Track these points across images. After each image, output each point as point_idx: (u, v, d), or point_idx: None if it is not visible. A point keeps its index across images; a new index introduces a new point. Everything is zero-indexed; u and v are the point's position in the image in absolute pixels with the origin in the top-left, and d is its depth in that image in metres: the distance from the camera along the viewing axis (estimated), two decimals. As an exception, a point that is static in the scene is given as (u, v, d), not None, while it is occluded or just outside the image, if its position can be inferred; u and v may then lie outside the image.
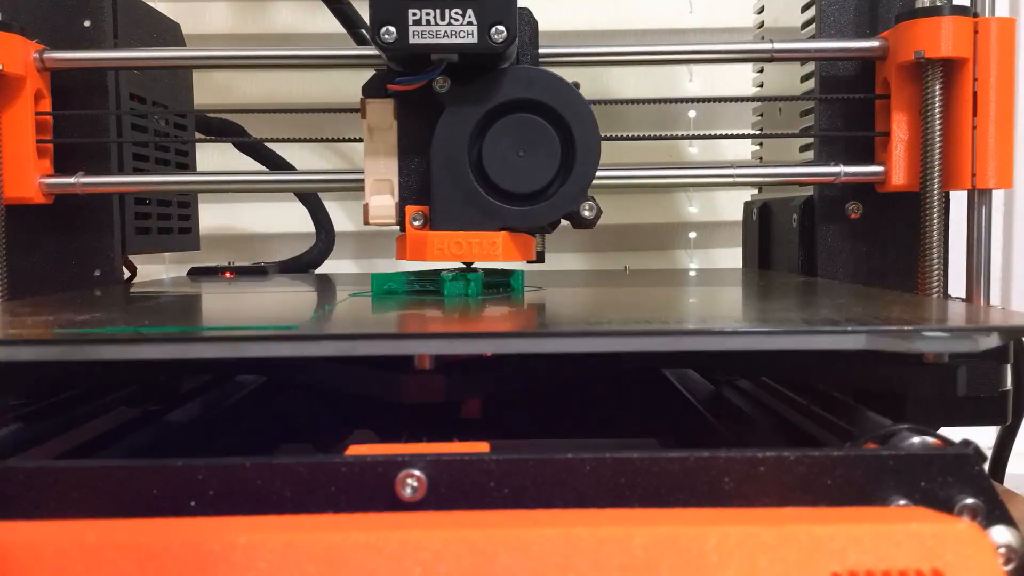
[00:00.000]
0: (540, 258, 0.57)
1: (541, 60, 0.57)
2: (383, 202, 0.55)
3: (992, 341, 0.37)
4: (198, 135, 0.84)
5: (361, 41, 0.82)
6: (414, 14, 0.49)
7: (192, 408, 0.59)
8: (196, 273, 0.80)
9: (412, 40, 0.49)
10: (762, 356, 0.45)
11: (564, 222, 0.55)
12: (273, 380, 0.69)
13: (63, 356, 0.38)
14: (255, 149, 0.86)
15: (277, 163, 0.86)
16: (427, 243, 0.53)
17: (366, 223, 0.55)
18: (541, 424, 0.71)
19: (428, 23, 0.49)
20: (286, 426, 0.69)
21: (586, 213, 0.54)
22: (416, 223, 0.54)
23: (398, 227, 0.55)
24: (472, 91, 0.52)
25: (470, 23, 0.49)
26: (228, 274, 0.79)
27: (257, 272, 0.80)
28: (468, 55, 0.51)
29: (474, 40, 0.49)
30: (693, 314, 0.49)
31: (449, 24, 0.49)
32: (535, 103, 0.53)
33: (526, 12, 0.55)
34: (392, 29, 0.49)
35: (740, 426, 0.54)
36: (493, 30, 0.49)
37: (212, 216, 1.00)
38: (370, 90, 0.54)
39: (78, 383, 0.51)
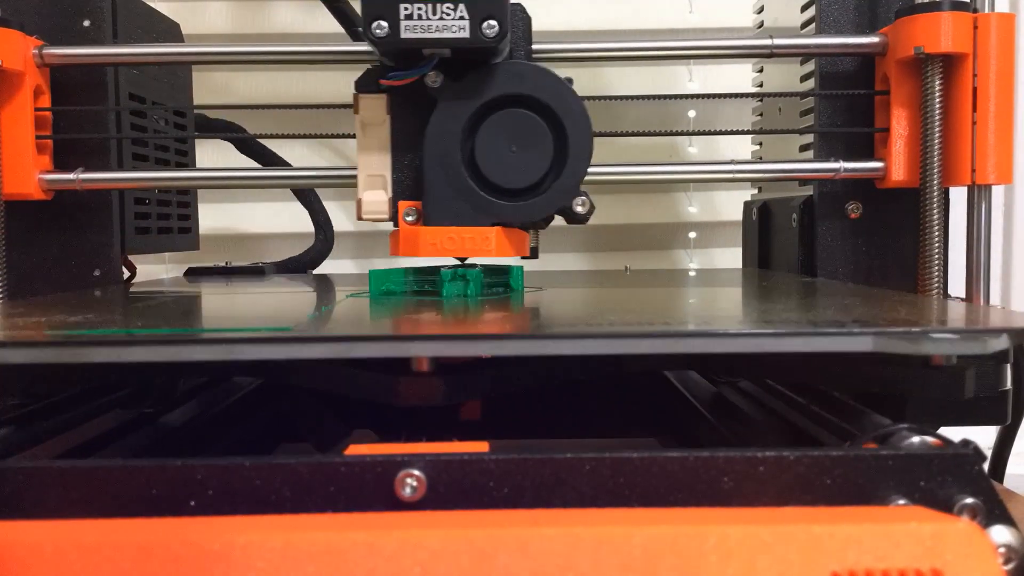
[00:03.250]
0: (534, 254, 0.57)
1: (537, 57, 0.57)
2: (376, 197, 0.55)
3: (1002, 343, 0.36)
4: (195, 132, 0.84)
5: (359, 39, 0.82)
6: (406, 8, 0.49)
7: (188, 410, 0.58)
8: (193, 273, 0.80)
9: (404, 34, 0.49)
10: (766, 358, 0.44)
11: (559, 219, 0.55)
12: (270, 382, 0.69)
13: (54, 358, 0.37)
14: (250, 146, 0.86)
15: (271, 160, 0.86)
16: (420, 238, 0.53)
17: (359, 218, 0.55)
18: (541, 424, 0.71)
19: (420, 17, 0.49)
20: (286, 426, 0.69)
21: (579, 208, 0.54)
22: (409, 218, 0.54)
23: (391, 223, 0.55)
24: (464, 86, 0.52)
25: (462, 17, 0.49)
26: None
27: (254, 272, 0.80)
28: (460, 50, 0.50)
29: (466, 35, 0.49)
30: (695, 315, 0.49)
31: (441, 19, 0.49)
32: (527, 98, 0.52)
33: (519, 8, 0.55)
34: (384, 23, 0.49)
35: (740, 426, 0.54)
36: (485, 24, 0.49)
37: (212, 216, 1.00)
38: (363, 85, 0.54)
39: (74, 385, 0.50)
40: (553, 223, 0.57)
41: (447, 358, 0.42)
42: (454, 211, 0.53)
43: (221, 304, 0.58)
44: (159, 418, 0.55)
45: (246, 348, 0.37)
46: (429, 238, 0.53)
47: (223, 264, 0.81)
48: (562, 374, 0.49)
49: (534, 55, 0.56)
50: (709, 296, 0.58)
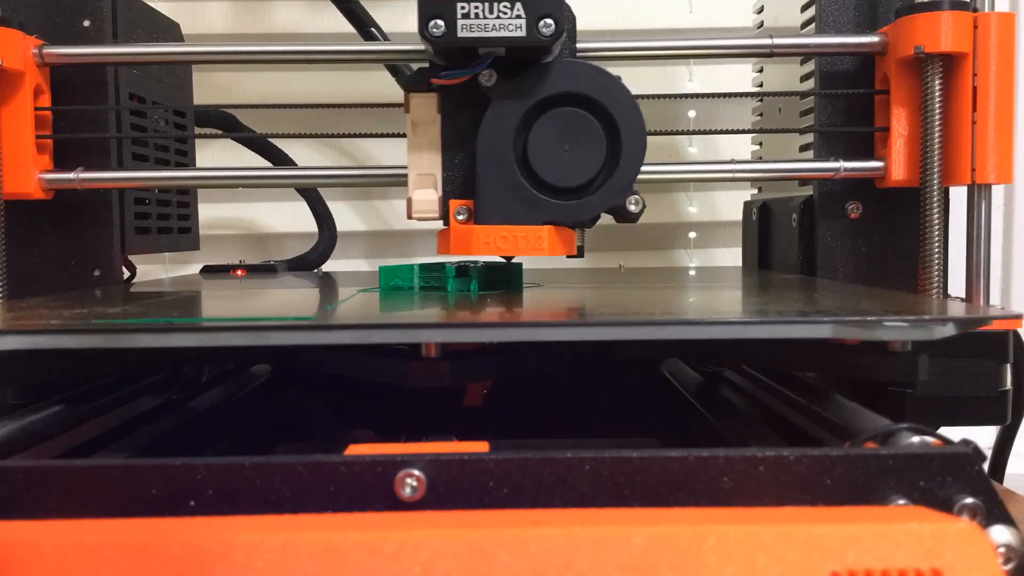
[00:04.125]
0: (580, 252, 0.57)
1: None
2: (426, 196, 0.55)
3: (948, 330, 0.40)
4: (199, 130, 0.85)
5: (371, 39, 0.82)
6: (463, 7, 0.49)
7: (211, 397, 0.62)
8: (209, 271, 0.82)
9: (460, 33, 0.49)
10: (741, 344, 0.48)
11: (606, 217, 0.55)
12: (277, 378, 0.69)
13: (105, 344, 0.41)
14: (258, 144, 0.87)
15: (278, 158, 0.87)
16: (472, 237, 0.53)
17: (409, 218, 0.55)
18: (541, 424, 0.71)
19: (477, 16, 0.49)
20: (286, 426, 0.69)
21: (632, 207, 0.54)
22: (460, 217, 0.54)
23: (441, 221, 0.55)
24: (518, 85, 0.52)
25: (519, 16, 0.49)
26: (240, 272, 0.80)
27: (267, 270, 0.82)
28: (515, 49, 0.51)
29: (523, 33, 0.49)
30: (679, 307, 0.50)
31: (498, 17, 0.49)
32: (580, 97, 0.52)
33: (566, 7, 0.55)
34: (440, 22, 0.49)
35: (740, 426, 0.54)
36: (542, 23, 0.49)
37: (215, 213, 1.00)
38: (413, 84, 0.54)
39: (104, 373, 0.53)
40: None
41: (453, 344, 0.47)
42: (507, 210, 0.53)
43: (242, 299, 0.59)
44: (186, 404, 0.59)
45: (277, 335, 0.41)
46: (482, 237, 0.53)
47: (238, 263, 0.83)
48: (557, 362, 0.52)
49: (577, 54, 0.56)
50: (695, 292, 0.61)
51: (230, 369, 0.67)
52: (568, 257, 0.56)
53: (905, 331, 0.40)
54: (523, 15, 0.49)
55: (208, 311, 0.53)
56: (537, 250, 0.53)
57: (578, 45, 0.62)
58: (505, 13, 0.49)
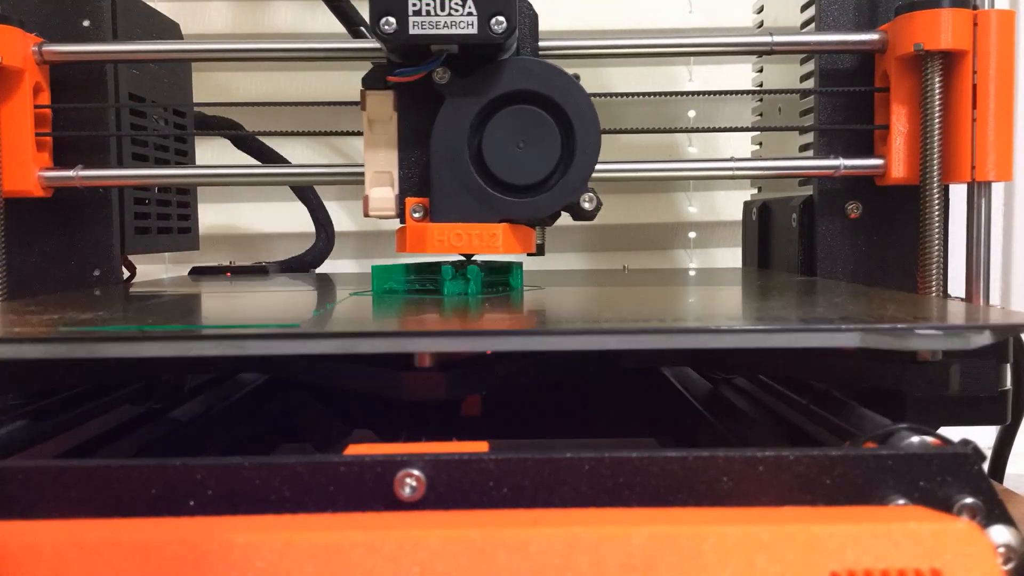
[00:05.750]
0: (540, 251, 0.57)
1: (542, 54, 0.57)
2: (383, 194, 0.55)
3: (984, 339, 0.37)
4: (195, 131, 0.84)
5: (359, 38, 0.82)
6: (414, 4, 0.49)
7: (195, 406, 0.60)
8: (197, 272, 0.81)
9: (412, 31, 0.49)
10: (758, 354, 0.45)
11: (565, 216, 0.55)
12: (275, 378, 0.69)
13: (69, 354, 0.38)
14: (249, 144, 0.86)
15: (271, 158, 0.87)
16: (427, 235, 0.53)
17: (366, 215, 0.55)
18: (541, 424, 0.71)
19: (428, 13, 0.49)
20: (286, 426, 0.69)
21: (586, 205, 0.54)
22: (416, 215, 0.54)
23: (398, 219, 0.55)
24: (472, 82, 0.52)
25: (470, 13, 0.49)
26: (228, 273, 0.79)
27: (258, 271, 0.81)
28: (468, 46, 0.50)
29: (474, 31, 0.49)
30: (690, 312, 0.49)
31: (449, 14, 0.49)
32: (535, 94, 0.52)
33: (526, 4, 0.55)
34: (392, 19, 0.49)
35: (739, 425, 0.54)
36: (493, 20, 0.49)
37: (213, 215, 1.00)
38: (370, 82, 0.54)
39: (83, 381, 0.51)
40: (557, 223, 0.57)
41: (449, 353, 0.43)
42: (461, 207, 0.53)
43: (228, 303, 0.58)
44: (166, 414, 0.56)
45: (256, 344, 0.38)
46: (436, 234, 0.53)
47: (227, 264, 0.82)
48: (560, 370, 0.51)
49: (540, 52, 0.56)
50: (705, 294, 0.59)
51: (222, 373, 0.67)
52: (529, 255, 0.56)
53: (939, 340, 0.37)
54: (475, 12, 0.49)
55: (190, 316, 0.51)
56: (492, 248, 0.53)
57: (579, 43, 0.62)
58: (457, 10, 0.49)
